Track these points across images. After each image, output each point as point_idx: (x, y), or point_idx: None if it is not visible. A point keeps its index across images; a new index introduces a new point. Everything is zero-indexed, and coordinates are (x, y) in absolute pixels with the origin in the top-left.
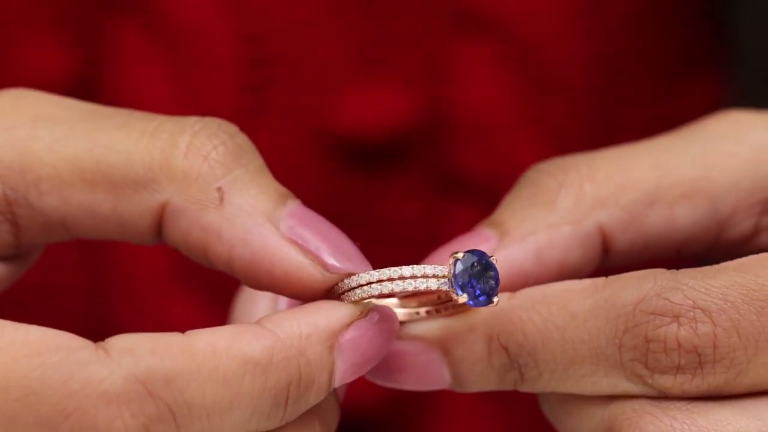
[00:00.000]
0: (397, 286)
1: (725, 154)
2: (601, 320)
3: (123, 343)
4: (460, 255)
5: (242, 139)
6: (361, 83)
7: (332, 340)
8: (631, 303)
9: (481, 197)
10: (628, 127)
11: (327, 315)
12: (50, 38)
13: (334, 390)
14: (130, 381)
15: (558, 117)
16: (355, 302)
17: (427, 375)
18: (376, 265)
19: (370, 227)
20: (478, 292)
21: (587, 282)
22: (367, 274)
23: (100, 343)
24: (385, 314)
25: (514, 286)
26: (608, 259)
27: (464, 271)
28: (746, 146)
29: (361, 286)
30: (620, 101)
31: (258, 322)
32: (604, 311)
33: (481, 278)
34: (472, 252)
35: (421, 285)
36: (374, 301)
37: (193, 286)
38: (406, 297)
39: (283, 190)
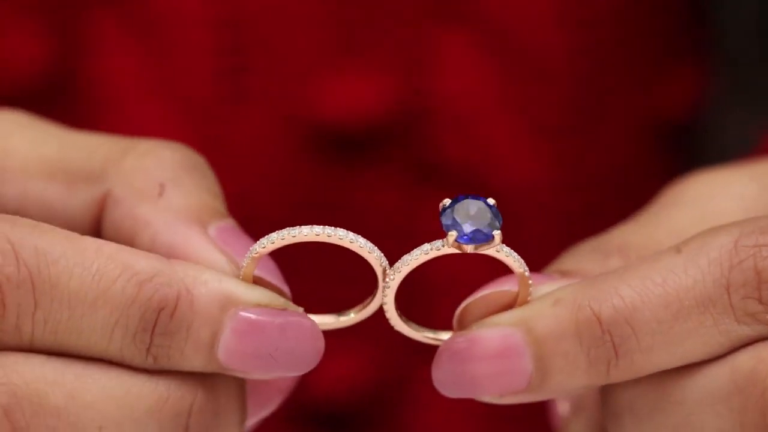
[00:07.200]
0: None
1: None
2: (703, 263)
3: (12, 216)
4: (447, 201)
5: (202, 161)
6: (339, 71)
7: (229, 304)
8: (729, 242)
9: (460, 186)
10: (609, 117)
11: (238, 284)
12: (26, 27)
13: (242, 381)
14: None
15: (538, 106)
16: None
17: (508, 364)
18: (352, 259)
19: (347, 216)
20: (463, 229)
21: (667, 247)
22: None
23: None
24: (300, 321)
25: None
26: None
27: (450, 210)
28: (732, 203)
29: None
30: (601, 91)
31: (168, 256)
32: (704, 255)
33: (474, 217)
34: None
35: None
36: (316, 317)
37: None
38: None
39: (223, 210)
